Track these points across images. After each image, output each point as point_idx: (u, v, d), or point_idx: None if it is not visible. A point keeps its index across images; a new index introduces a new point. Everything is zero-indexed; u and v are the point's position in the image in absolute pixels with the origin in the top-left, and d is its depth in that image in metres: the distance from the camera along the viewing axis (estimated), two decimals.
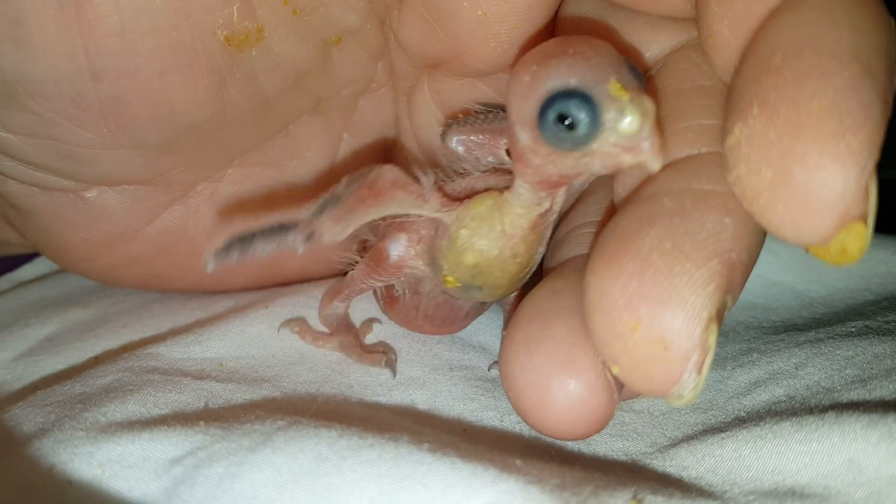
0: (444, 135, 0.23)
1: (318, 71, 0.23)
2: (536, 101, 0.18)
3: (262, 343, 0.25)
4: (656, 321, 0.16)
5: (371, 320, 0.26)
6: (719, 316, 0.16)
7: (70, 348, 0.26)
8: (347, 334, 0.25)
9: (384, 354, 0.24)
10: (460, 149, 0.22)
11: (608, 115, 0.17)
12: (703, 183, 0.17)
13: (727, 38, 0.17)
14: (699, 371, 0.16)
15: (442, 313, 0.25)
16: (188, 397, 0.21)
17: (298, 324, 0.25)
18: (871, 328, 0.25)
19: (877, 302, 0.29)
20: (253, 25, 0.21)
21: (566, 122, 0.17)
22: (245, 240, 0.20)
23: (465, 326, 0.26)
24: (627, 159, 0.17)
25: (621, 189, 0.20)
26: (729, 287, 0.16)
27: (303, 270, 0.29)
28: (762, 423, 0.21)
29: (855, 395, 0.21)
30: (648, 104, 0.17)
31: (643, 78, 0.18)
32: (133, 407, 0.20)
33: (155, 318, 0.27)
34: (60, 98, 0.20)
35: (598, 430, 0.19)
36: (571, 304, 0.19)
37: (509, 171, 0.21)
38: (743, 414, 0.22)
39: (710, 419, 0.23)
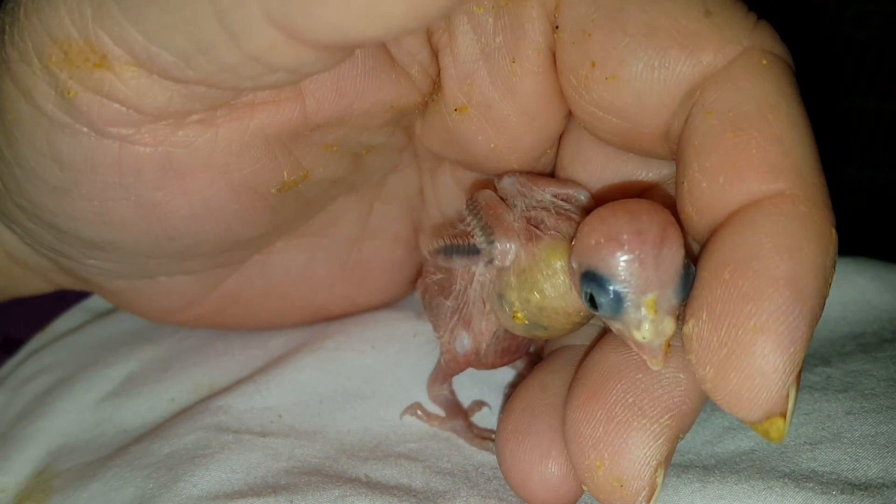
0: (499, 179, 0.25)
1: (351, 174, 0.27)
2: (580, 267, 0.20)
3: (311, 389, 0.30)
4: (615, 465, 0.20)
5: (479, 403, 0.30)
6: (668, 459, 0.20)
7: (148, 389, 0.31)
8: (457, 417, 0.29)
9: (492, 441, 0.28)
10: (512, 188, 0.25)
11: (629, 317, 0.19)
12: None
13: (695, 220, 0.20)
14: (648, 502, 0.20)
15: (510, 348, 0.28)
16: (257, 457, 0.26)
17: (418, 408, 0.29)
18: (833, 379, 0.29)
19: (851, 337, 0.32)
20: (300, 174, 0.25)
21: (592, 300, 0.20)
22: (448, 251, 0.24)
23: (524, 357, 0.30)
24: (636, 347, 0.20)
25: None
26: (679, 432, 0.21)
27: (343, 312, 0.33)
28: (725, 481, 0.25)
29: (804, 459, 0.25)
30: (668, 327, 0.19)
31: (692, 277, 0.20)
32: (216, 473, 0.25)
33: (218, 357, 0.32)
34: (139, 249, 0.25)
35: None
36: (555, 402, 0.24)
37: (567, 215, 0.23)
38: (712, 462, 0.27)
39: (688, 462, 0.27)
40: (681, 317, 0.20)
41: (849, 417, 0.27)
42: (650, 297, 0.19)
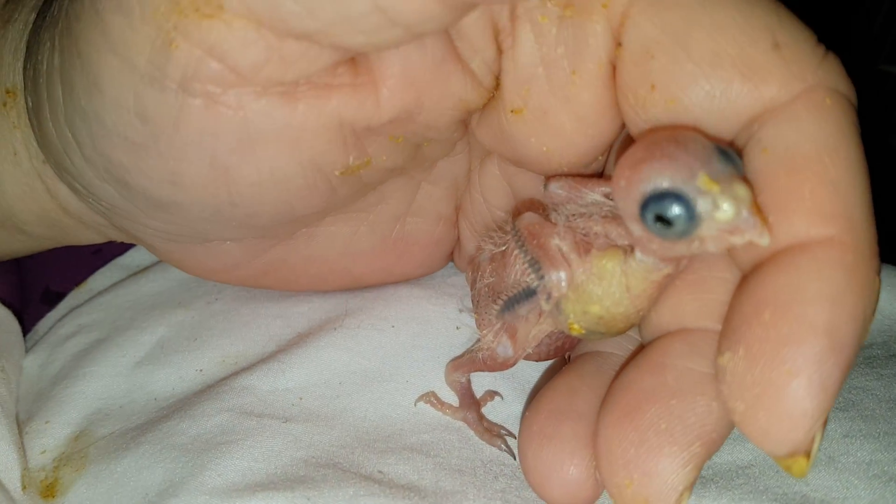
0: (546, 184, 0.26)
1: (408, 162, 0.28)
2: (635, 204, 0.20)
3: (332, 368, 0.31)
4: (644, 486, 0.21)
5: (492, 393, 0.31)
6: (693, 483, 0.22)
7: (179, 359, 0.33)
8: (471, 409, 0.30)
9: (502, 438, 0.29)
10: (560, 192, 0.25)
11: (703, 209, 0.19)
12: (702, 365, 0.22)
13: (741, 251, 0.21)
14: None
15: (563, 346, 0.29)
16: (278, 444, 0.28)
17: (433, 396, 0.31)
18: None
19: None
20: (363, 160, 0.25)
21: (664, 221, 0.20)
22: (509, 304, 0.26)
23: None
24: (736, 240, 0.20)
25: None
26: (707, 458, 0.22)
27: (380, 282, 0.35)
28: (720, 499, 0.26)
29: (797, 482, 0.27)
30: (741, 190, 0.19)
31: (738, 157, 0.20)
32: (240, 462, 0.27)
33: (244, 327, 0.34)
34: (202, 213, 0.25)
35: None
36: (582, 409, 0.25)
37: (615, 216, 0.24)
38: (710, 474, 0.28)
39: None
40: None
41: (846, 441, 0.28)
42: (702, 174, 0.19)
